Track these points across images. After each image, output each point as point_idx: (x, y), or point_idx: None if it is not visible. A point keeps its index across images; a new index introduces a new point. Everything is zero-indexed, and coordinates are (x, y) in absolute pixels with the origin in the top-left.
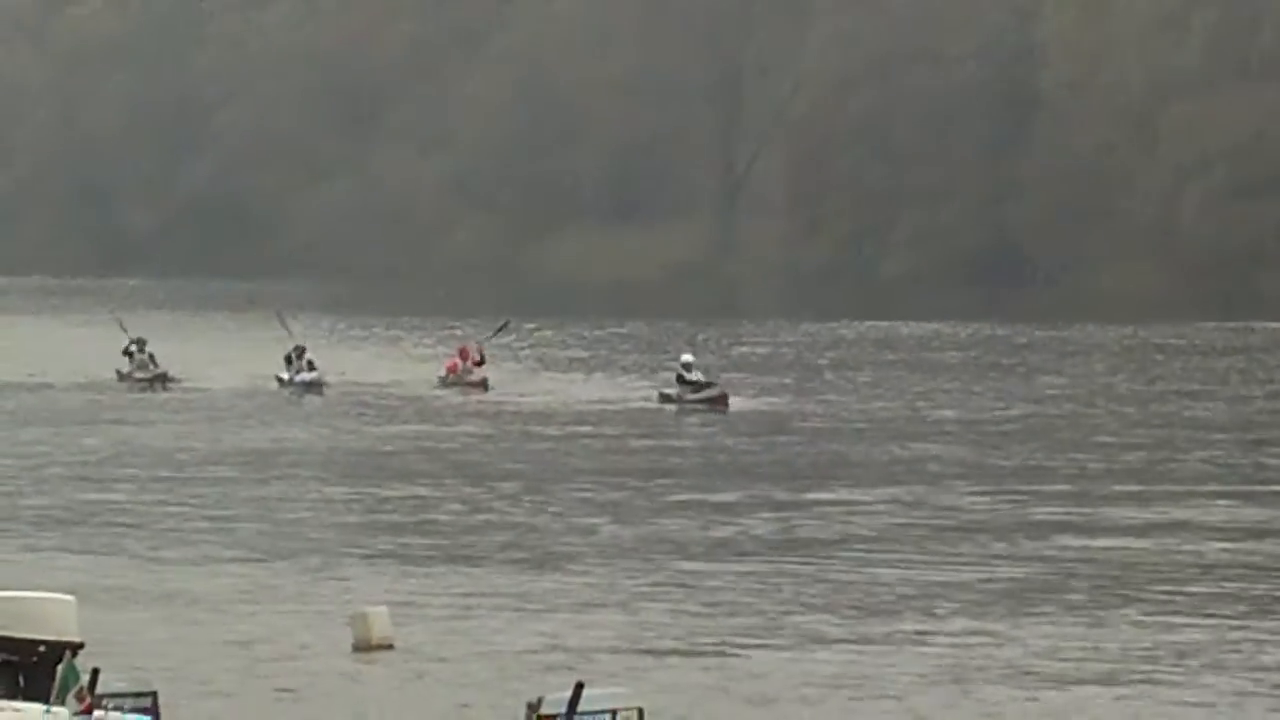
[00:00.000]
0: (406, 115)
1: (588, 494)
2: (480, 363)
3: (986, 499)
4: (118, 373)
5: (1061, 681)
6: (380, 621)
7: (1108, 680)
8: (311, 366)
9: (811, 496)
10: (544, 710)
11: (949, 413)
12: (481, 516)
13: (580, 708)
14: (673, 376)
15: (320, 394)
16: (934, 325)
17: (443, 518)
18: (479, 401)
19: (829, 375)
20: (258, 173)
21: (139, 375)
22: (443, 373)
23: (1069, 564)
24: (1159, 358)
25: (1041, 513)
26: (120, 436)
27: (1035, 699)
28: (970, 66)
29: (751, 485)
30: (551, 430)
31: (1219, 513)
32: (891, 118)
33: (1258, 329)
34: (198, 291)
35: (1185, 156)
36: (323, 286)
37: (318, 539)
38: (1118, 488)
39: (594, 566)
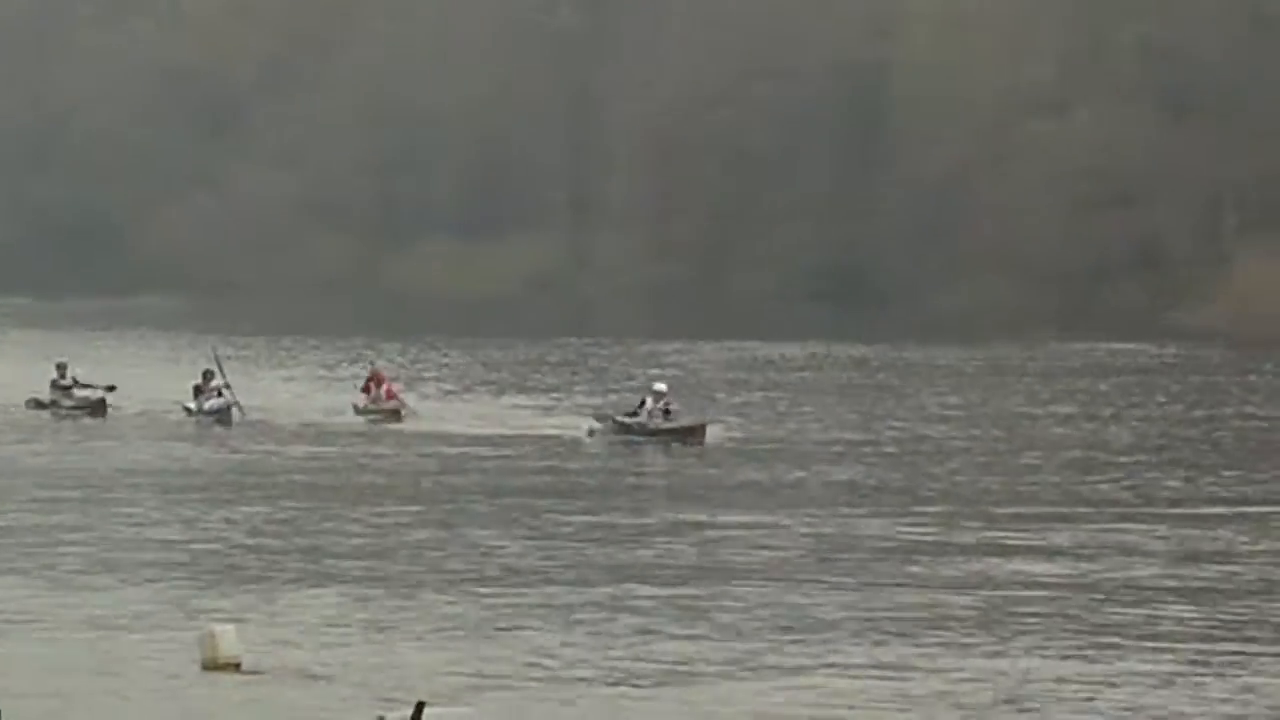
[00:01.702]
0: (262, 130)
1: (483, 519)
2: (392, 394)
3: (901, 522)
4: (34, 400)
5: (976, 709)
6: (228, 640)
7: (1024, 710)
8: (220, 393)
9: (709, 519)
10: None
11: (840, 435)
12: (358, 540)
13: None
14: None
15: (229, 424)
16: (791, 345)
17: (316, 540)
18: (394, 430)
19: (705, 394)
20: (113, 186)
21: (66, 403)
22: (359, 401)
23: (993, 590)
24: (1025, 378)
25: (962, 538)
26: None
27: None
28: (823, 83)
29: (659, 509)
30: (466, 458)
31: (1132, 535)
32: (744, 134)
33: (1111, 349)
34: (55, 309)
35: (1036, 174)
36: (179, 302)
37: (178, 559)
38: (1032, 510)
39: (466, 591)
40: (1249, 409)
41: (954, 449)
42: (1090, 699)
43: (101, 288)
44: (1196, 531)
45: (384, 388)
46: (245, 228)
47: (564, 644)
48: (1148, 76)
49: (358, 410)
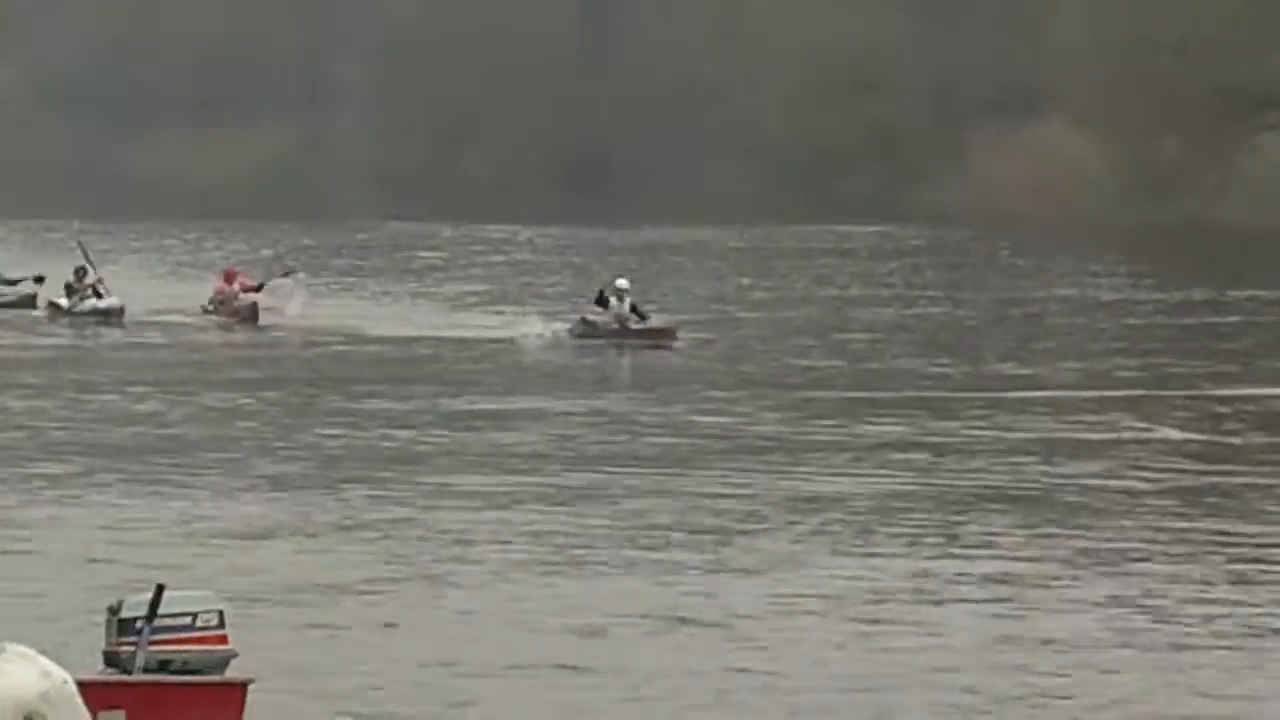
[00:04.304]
0: None
1: (323, 415)
2: (255, 287)
3: (780, 415)
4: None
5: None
6: None
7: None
8: (99, 293)
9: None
10: (124, 613)
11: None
12: (139, 429)
13: (161, 610)
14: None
15: (120, 324)
16: (525, 228)
17: (80, 430)
18: (249, 329)
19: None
20: None
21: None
22: (209, 300)
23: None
24: (777, 262)
25: (838, 430)
26: None
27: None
28: None
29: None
30: (328, 355)
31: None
32: (479, 17)
33: (851, 231)
34: None
35: (770, 60)
36: None
37: None
38: (901, 395)
39: (245, 483)
40: (1047, 291)
41: (791, 332)
42: (950, 598)
43: None
44: (1090, 417)
45: (237, 284)
46: None
47: (359, 549)
48: None
49: (207, 310)
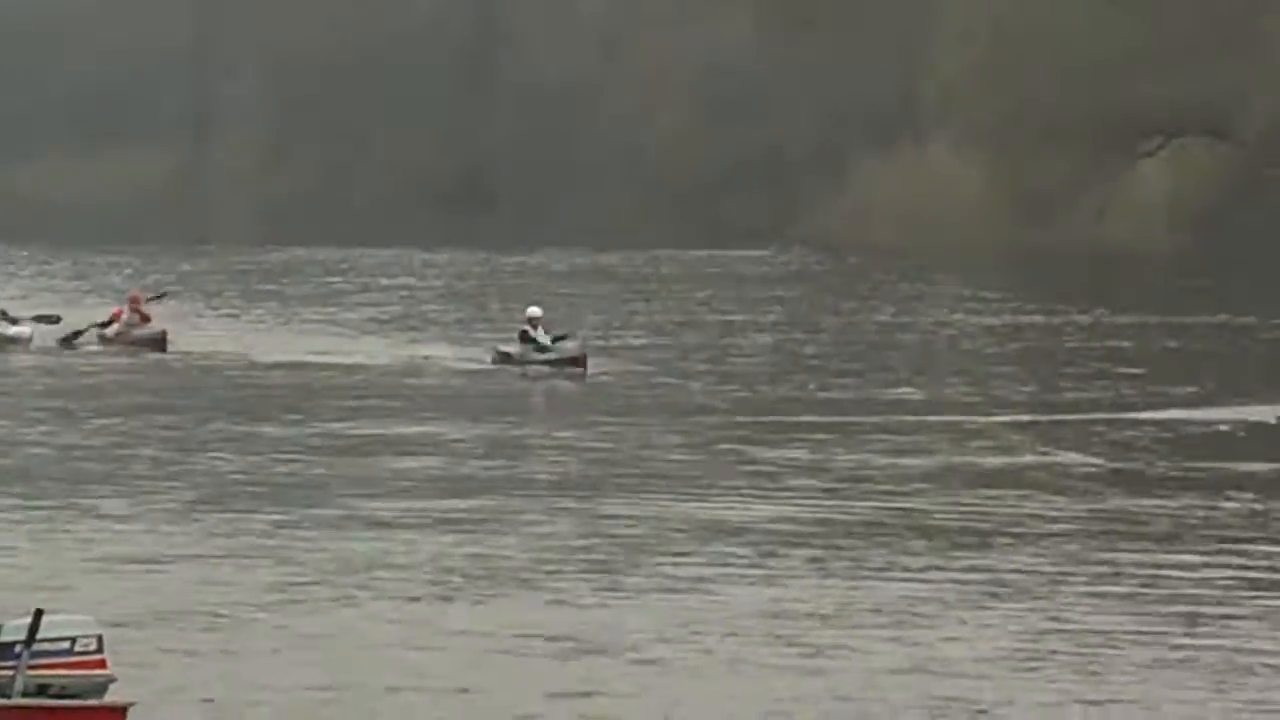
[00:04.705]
0: None
1: (219, 443)
2: (147, 318)
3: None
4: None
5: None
6: None
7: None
8: (12, 320)
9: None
10: (3, 637)
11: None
12: (31, 455)
13: (40, 634)
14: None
15: (28, 350)
16: (419, 251)
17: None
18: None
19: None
20: None
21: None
22: (105, 323)
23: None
24: (662, 287)
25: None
26: None
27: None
28: None
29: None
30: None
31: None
32: (360, 45)
33: (732, 257)
34: None
35: (652, 85)
36: None
37: None
38: (821, 419)
39: (139, 509)
40: (933, 317)
41: (684, 357)
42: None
43: None
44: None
45: (137, 310)
46: None
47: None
48: None
49: (107, 339)
